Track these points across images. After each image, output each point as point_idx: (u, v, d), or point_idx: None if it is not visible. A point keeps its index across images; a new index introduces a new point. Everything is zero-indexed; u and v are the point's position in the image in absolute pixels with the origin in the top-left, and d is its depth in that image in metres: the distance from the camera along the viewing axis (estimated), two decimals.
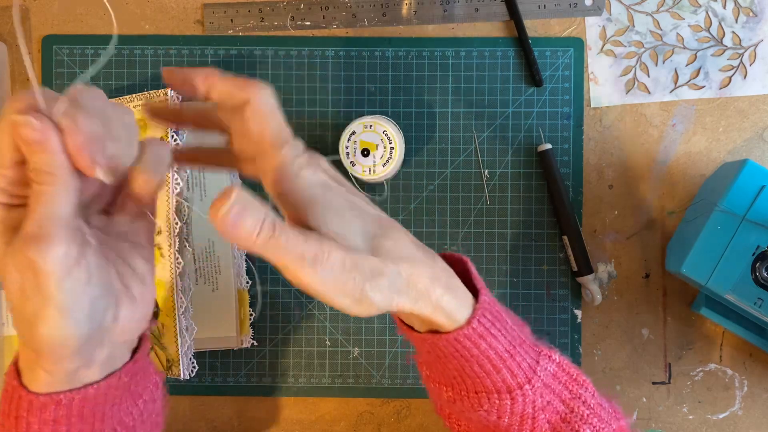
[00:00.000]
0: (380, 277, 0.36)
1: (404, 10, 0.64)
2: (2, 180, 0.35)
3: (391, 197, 0.64)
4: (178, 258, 0.57)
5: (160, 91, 0.57)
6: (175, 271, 0.57)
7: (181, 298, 0.57)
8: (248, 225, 0.34)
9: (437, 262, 0.40)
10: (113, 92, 0.65)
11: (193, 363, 0.59)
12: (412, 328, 0.42)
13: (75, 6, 0.65)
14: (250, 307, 0.64)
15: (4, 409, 0.40)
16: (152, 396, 0.45)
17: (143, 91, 0.59)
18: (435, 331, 0.40)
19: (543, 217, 0.64)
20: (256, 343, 0.64)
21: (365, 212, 0.38)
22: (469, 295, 0.40)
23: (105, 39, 0.65)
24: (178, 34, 0.65)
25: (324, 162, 0.38)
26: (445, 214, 0.64)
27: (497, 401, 0.41)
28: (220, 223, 0.34)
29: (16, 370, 0.40)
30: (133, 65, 0.65)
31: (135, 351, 0.41)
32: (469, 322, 0.39)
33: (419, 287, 0.38)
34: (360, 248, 0.37)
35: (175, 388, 0.65)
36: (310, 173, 0.37)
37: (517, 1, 0.63)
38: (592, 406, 0.44)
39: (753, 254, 0.54)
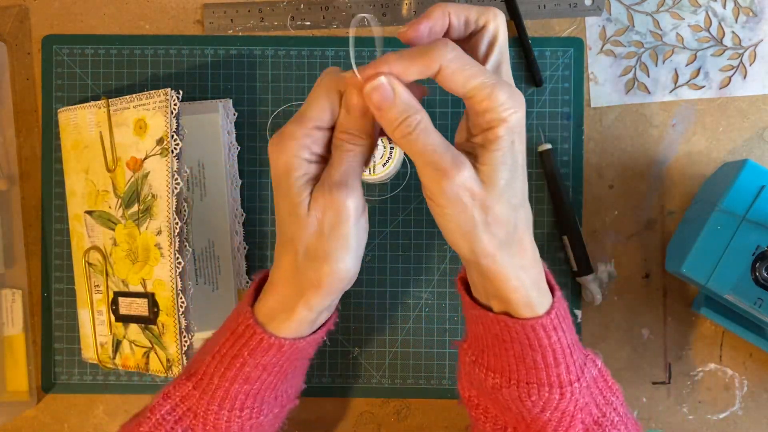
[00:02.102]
0: (501, 226, 0.39)
1: (404, 10, 0.64)
2: (316, 139, 0.40)
3: (391, 197, 0.64)
4: (178, 258, 0.57)
5: (160, 91, 0.57)
6: (176, 271, 0.57)
7: (181, 298, 0.57)
8: (391, 114, 0.38)
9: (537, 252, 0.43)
10: (113, 92, 0.65)
11: None
12: (478, 304, 0.43)
13: (75, 6, 0.65)
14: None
15: (227, 345, 0.45)
16: (302, 379, 0.51)
17: (143, 91, 0.59)
18: (507, 314, 0.42)
19: (543, 217, 0.64)
20: None
21: (524, 181, 0.40)
22: (547, 289, 0.43)
23: (105, 39, 0.65)
24: (177, 34, 0.65)
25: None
26: None
27: (547, 394, 0.42)
28: (366, 95, 0.38)
29: (251, 311, 0.44)
30: (133, 65, 0.65)
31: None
32: (548, 312, 0.41)
33: (523, 259, 0.41)
34: (509, 205, 0.39)
35: None
36: (516, 116, 0.38)
37: (517, 1, 0.63)
38: (621, 414, 0.45)
39: (753, 254, 0.54)
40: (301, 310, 0.43)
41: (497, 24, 0.40)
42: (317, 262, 0.41)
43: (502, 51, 0.41)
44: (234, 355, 0.44)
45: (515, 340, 0.42)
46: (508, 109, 0.37)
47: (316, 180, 0.41)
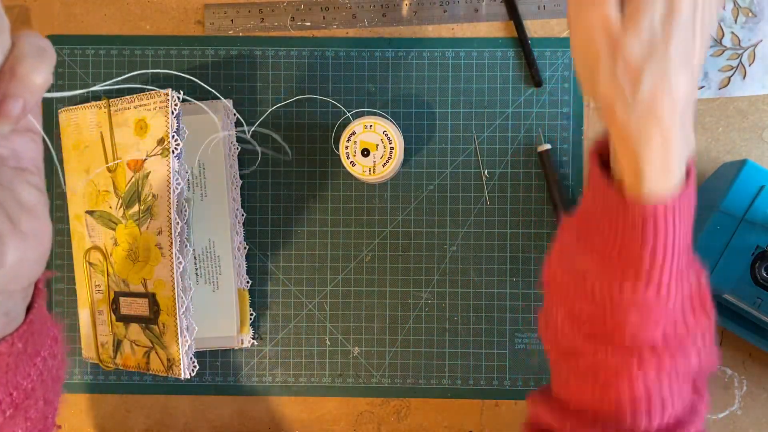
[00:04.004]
0: (629, 72, 0.32)
1: (404, 10, 0.64)
2: None
3: (391, 197, 0.64)
4: (179, 258, 0.57)
5: (160, 91, 0.57)
6: (176, 271, 0.57)
7: (181, 298, 0.58)
8: None
9: None
10: (113, 93, 0.65)
11: (193, 362, 0.59)
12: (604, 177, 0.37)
13: (76, 6, 0.66)
14: (250, 306, 0.64)
15: None
16: (52, 351, 0.39)
17: (143, 92, 0.59)
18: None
19: (543, 217, 0.64)
20: (256, 343, 0.64)
21: (695, 38, 0.33)
22: (676, 172, 0.35)
23: (106, 39, 0.65)
24: (178, 34, 0.65)
25: None
26: (445, 214, 0.64)
27: (642, 290, 0.37)
28: None
29: None
30: (133, 65, 0.65)
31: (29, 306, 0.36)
32: (672, 200, 0.35)
33: (649, 125, 0.33)
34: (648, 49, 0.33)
35: (175, 387, 0.65)
36: None
37: (517, 2, 0.63)
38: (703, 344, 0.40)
39: (752, 254, 0.54)
40: None
41: None
42: None
43: None
44: None
45: (626, 224, 0.36)
46: None
47: None
